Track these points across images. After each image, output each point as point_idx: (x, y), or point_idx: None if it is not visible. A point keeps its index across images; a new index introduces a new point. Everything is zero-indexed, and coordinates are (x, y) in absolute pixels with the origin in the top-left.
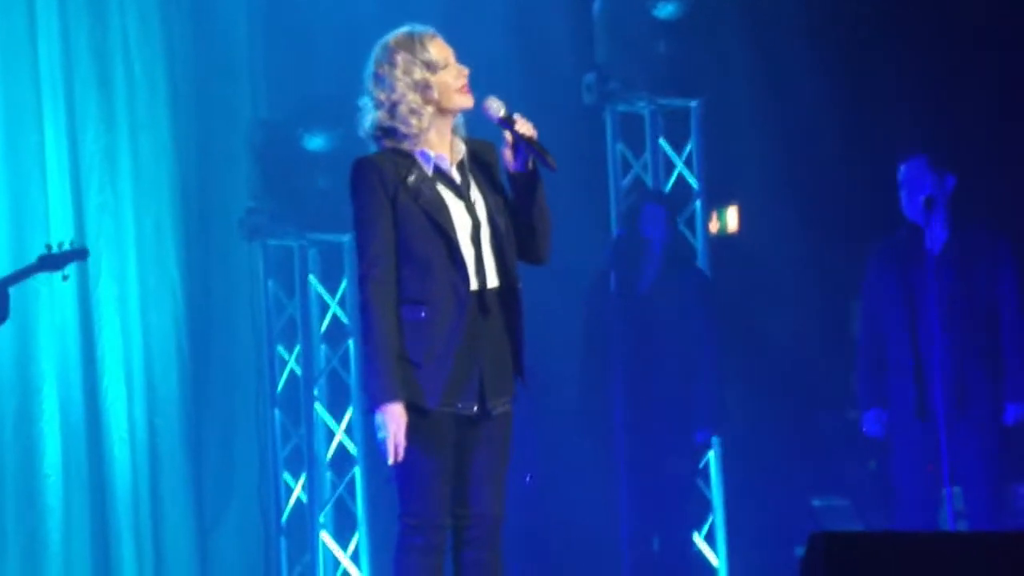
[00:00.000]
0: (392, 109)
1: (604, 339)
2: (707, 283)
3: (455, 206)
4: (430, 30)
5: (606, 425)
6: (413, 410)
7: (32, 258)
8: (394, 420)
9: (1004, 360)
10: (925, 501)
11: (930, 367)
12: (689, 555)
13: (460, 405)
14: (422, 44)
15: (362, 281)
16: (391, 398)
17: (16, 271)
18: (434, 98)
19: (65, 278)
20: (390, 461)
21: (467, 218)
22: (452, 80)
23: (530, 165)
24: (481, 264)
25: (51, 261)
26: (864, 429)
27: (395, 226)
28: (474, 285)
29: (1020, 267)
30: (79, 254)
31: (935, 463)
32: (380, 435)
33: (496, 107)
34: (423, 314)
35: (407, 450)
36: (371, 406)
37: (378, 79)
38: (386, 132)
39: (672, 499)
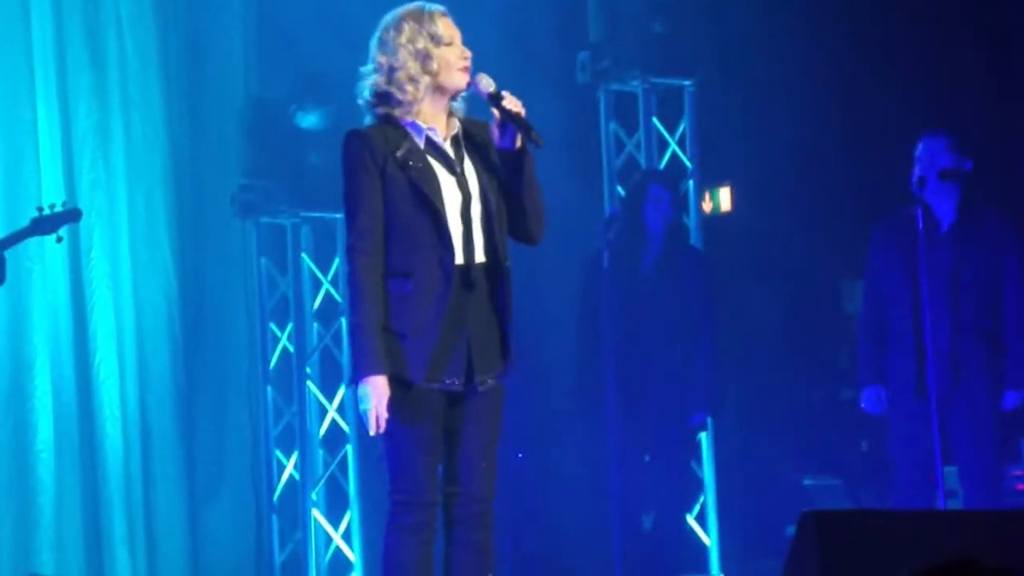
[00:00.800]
0: (391, 74)
1: (598, 318)
2: (706, 265)
3: (445, 180)
4: (441, 8)
5: (600, 404)
6: (398, 383)
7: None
8: (376, 392)
9: (1006, 346)
10: (922, 479)
11: (936, 345)
12: (682, 536)
13: (447, 380)
14: (431, 17)
15: (349, 253)
16: (374, 370)
17: (8, 235)
18: (433, 69)
19: (59, 240)
20: (371, 432)
21: (457, 192)
22: (454, 58)
23: (518, 143)
24: (470, 239)
25: (44, 223)
26: (863, 406)
27: (383, 198)
28: (460, 259)
29: None
30: (72, 215)
31: (935, 443)
32: (362, 407)
33: (486, 83)
34: (409, 287)
35: (394, 425)
36: (354, 378)
37: (382, 43)
38: (382, 99)
39: (666, 480)
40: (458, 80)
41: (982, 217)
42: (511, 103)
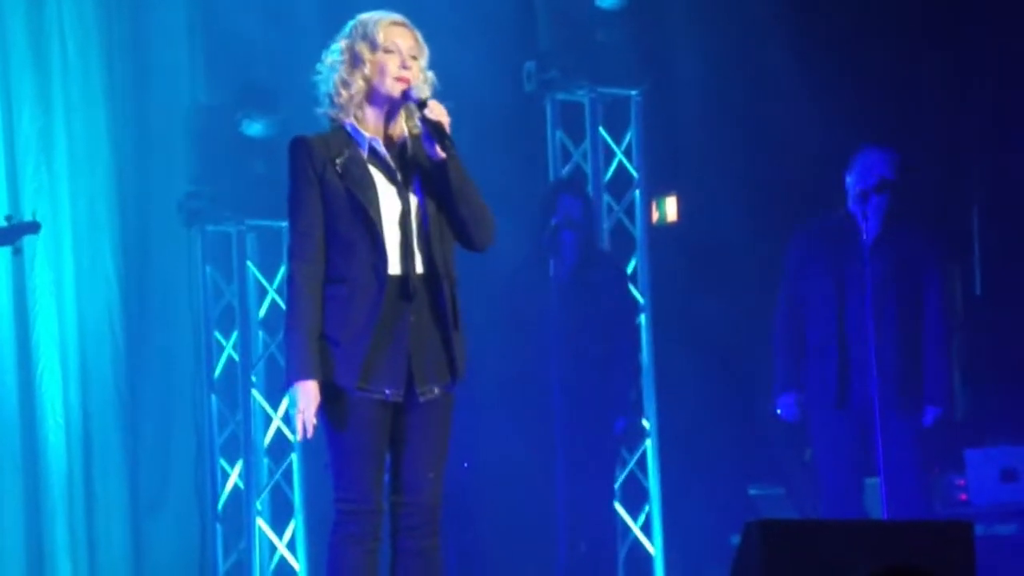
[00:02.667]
0: (329, 75)
1: (531, 327)
2: (621, 269)
3: (385, 189)
4: (397, 18)
5: (543, 410)
6: (334, 391)
7: None
8: (304, 397)
9: (924, 364)
10: (848, 488)
11: (857, 355)
12: (612, 553)
13: (387, 391)
14: (375, 24)
15: (288, 259)
16: (304, 375)
17: None
18: (365, 74)
19: (17, 252)
20: (298, 437)
21: (396, 202)
22: (391, 65)
23: (440, 152)
24: (408, 249)
25: (3, 235)
26: (779, 412)
27: (323, 205)
28: (396, 269)
29: (946, 272)
30: (31, 227)
31: (857, 451)
32: (290, 411)
33: (418, 92)
34: (343, 293)
35: (335, 434)
36: (286, 382)
37: (329, 48)
38: (326, 101)
39: (593, 489)
40: (391, 87)
41: (907, 232)
42: (433, 112)
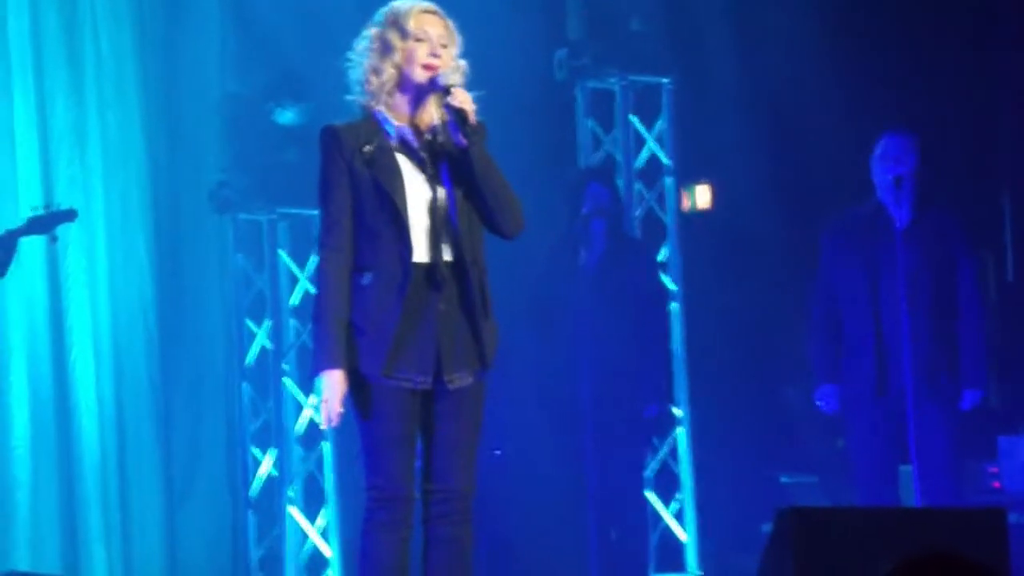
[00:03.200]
0: (360, 62)
1: (562, 314)
2: (651, 256)
3: (414, 177)
4: (428, 5)
5: (569, 399)
6: (361, 379)
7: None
8: (330, 385)
9: (960, 348)
10: (884, 477)
11: (894, 344)
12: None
13: (417, 379)
14: (407, 13)
15: (318, 248)
16: (330, 364)
17: (7, 232)
18: (396, 61)
19: (54, 240)
20: (323, 425)
21: (425, 190)
22: (420, 53)
23: (463, 139)
24: (436, 237)
25: (40, 223)
26: (819, 404)
27: (351, 193)
28: (423, 257)
29: (977, 256)
30: (67, 215)
31: (894, 439)
32: (316, 399)
33: (444, 79)
34: (369, 281)
35: (365, 421)
36: (313, 370)
37: (361, 35)
38: (358, 88)
39: (623, 475)
40: (419, 74)
41: (936, 217)
42: (456, 99)
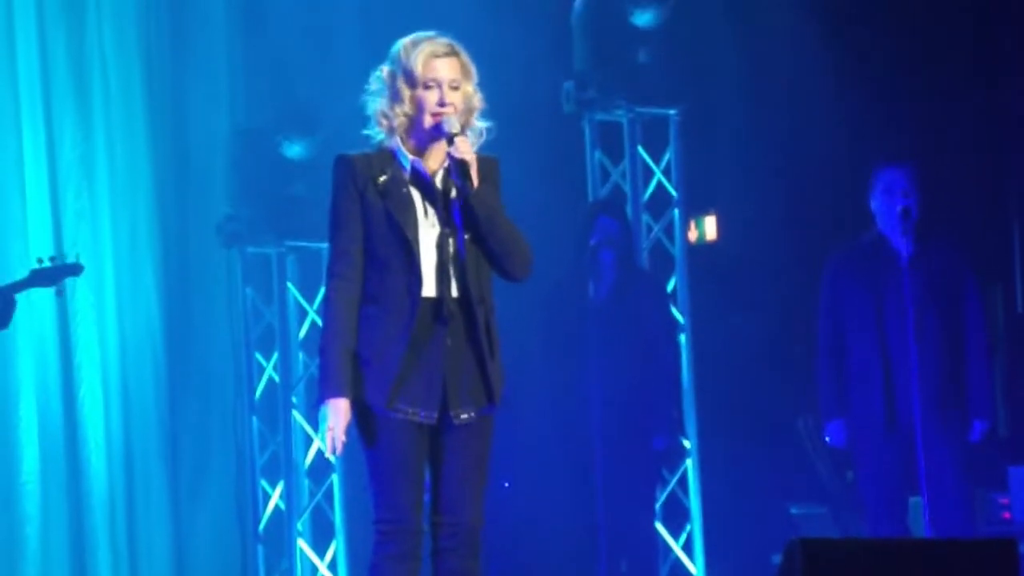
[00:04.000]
0: (373, 102)
1: (572, 348)
2: (661, 289)
3: (425, 211)
4: (439, 46)
5: (579, 431)
6: (366, 410)
7: (11, 264)
8: (334, 414)
9: (968, 378)
10: (893, 509)
11: (901, 376)
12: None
13: (423, 412)
14: (416, 57)
15: (327, 277)
16: (333, 393)
17: (8, 285)
18: (405, 109)
19: (60, 293)
20: (327, 454)
21: (436, 225)
22: (430, 102)
23: (465, 189)
24: (444, 272)
25: (44, 275)
26: (828, 439)
27: (362, 223)
28: (431, 291)
29: (980, 285)
30: (73, 269)
31: (904, 471)
32: (320, 428)
33: (450, 126)
34: (376, 312)
35: (371, 453)
36: (317, 399)
37: (375, 74)
38: (370, 122)
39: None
40: (428, 121)
41: (939, 248)
42: (458, 149)
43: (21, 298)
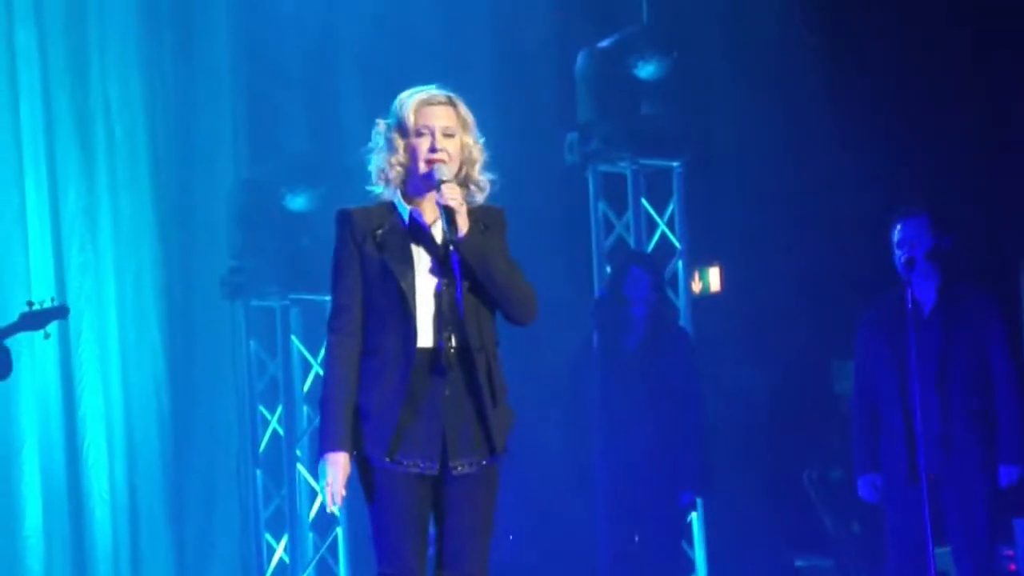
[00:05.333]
0: (372, 157)
1: (588, 400)
2: (691, 345)
3: (423, 262)
4: (431, 95)
5: (591, 485)
6: (367, 463)
7: (13, 316)
8: (332, 468)
9: (996, 423)
10: (915, 562)
11: (926, 428)
12: None
13: (423, 464)
14: (407, 108)
15: (327, 332)
16: (332, 447)
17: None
18: (400, 160)
19: (47, 336)
20: (328, 507)
21: (435, 276)
22: (422, 149)
23: (454, 235)
24: (441, 323)
25: (32, 319)
26: (860, 494)
27: (362, 277)
28: (427, 342)
29: (1008, 327)
30: (59, 312)
31: (928, 523)
32: (320, 482)
33: (441, 171)
34: (375, 364)
35: (373, 506)
36: (317, 453)
37: (375, 130)
38: (371, 176)
39: (655, 561)
40: (422, 168)
41: (964, 295)
42: (444, 197)
43: (24, 350)
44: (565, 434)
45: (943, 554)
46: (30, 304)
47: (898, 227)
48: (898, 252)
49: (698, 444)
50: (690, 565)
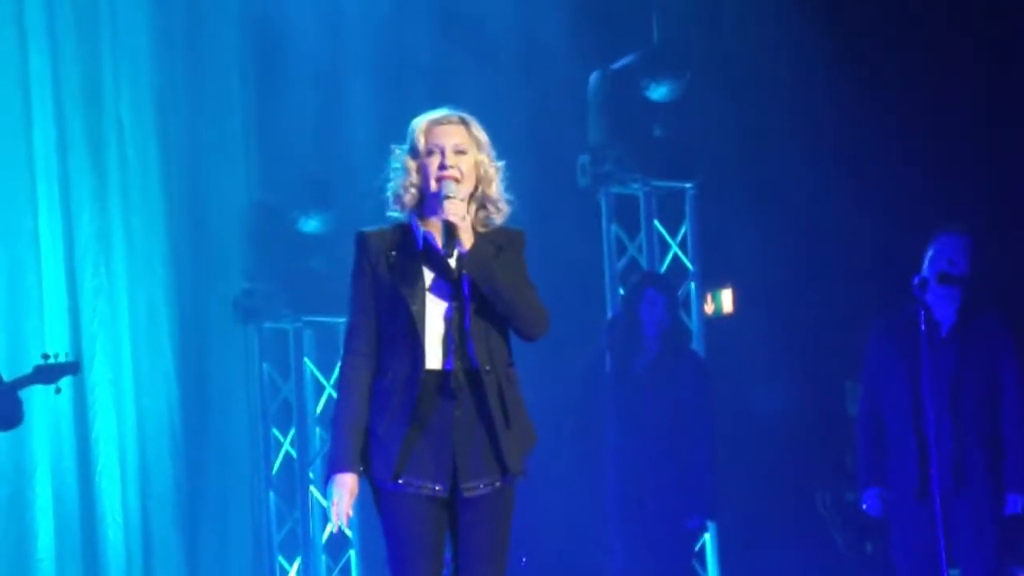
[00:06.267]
0: (390, 182)
1: (598, 420)
2: (703, 368)
3: (434, 284)
4: (441, 115)
5: (601, 506)
6: (376, 486)
7: (27, 340)
8: (339, 489)
9: (1005, 450)
10: None
11: (938, 448)
12: None
13: (434, 486)
14: (417, 130)
15: (342, 353)
16: (340, 468)
17: (14, 379)
18: (412, 181)
19: (58, 391)
20: (333, 528)
21: (445, 298)
22: (432, 167)
23: (457, 250)
24: (449, 345)
25: (46, 373)
26: (864, 508)
27: (376, 299)
28: (436, 364)
29: (1021, 355)
30: (72, 367)
31: (937, 542)
32: (327, 503)
33: (448, 188)
34: (385, 386)
35: (384, 527)
36: (326, 475)
37: (392, 154)
38: (389, 200)
39: None
40: (433, 188)
41: (982, 320)
42: (445, 212)
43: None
44: (575, 455)
45: (953, 575)
46: (45, 357)
47: (938, 240)
48: (931, 265)
49: (708, 467)
50: None
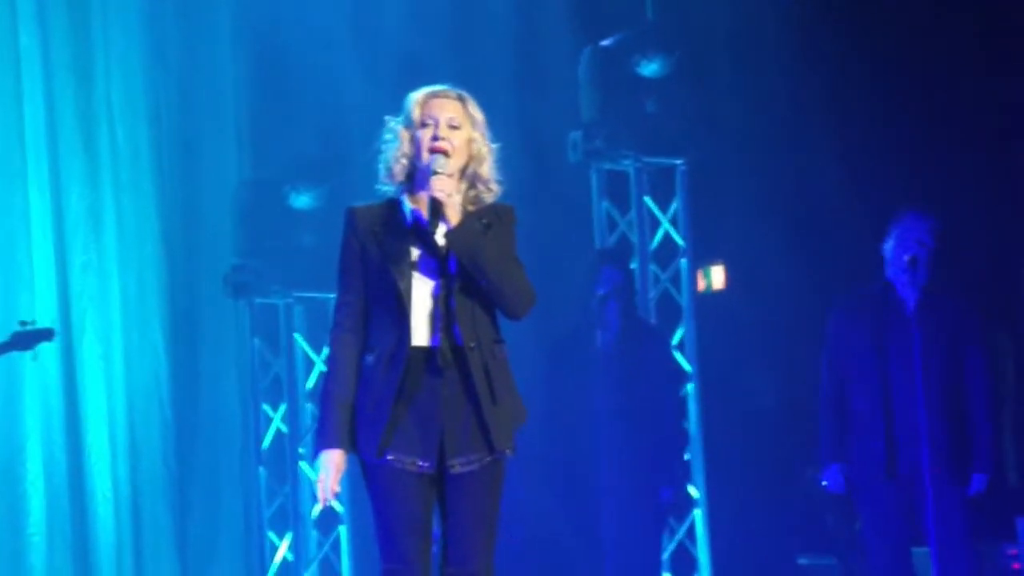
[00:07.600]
0: (382, 154)
1: (568, 396)
2: (664, 341)
3: (422, 261)
4: (437, 88)
5: (585, 481)
6: (363, 462)
7: (18, 316)
8: (326, 465)
9: (970, 430)
10: (898, 559)
11: (904, 425)
12: None
13: (420, 462)
14: (413, 102)
15: (331, 329)
16: (328, 444)
17: None
18: (405, 151)
19: (35, 358)
20: (319, 503)
21: (432, 274)
22: (425, 138)
23: (441, 225)
24: (435, 321)
25: (22, 339)
26: (827, 486)
27: (363, 276)
28: (422, 341)
29: (986, 335)
30: (46, 334)
31: (906, 522)
32: (314, 478)
33: (438, 162)
34: (373, 362)
35: (373, 502)
36: (314, 450)
37: (385, 127)
38: (380, 174)
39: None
40: (425, 159)
41: (946, 299)
42: (433, 187)
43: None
44: (562, 430)
45: (923, 554)
46: (23, 324)
47: (903, 221)
48: (898, 245)
49: (676, 439)
50: (694, 564)
